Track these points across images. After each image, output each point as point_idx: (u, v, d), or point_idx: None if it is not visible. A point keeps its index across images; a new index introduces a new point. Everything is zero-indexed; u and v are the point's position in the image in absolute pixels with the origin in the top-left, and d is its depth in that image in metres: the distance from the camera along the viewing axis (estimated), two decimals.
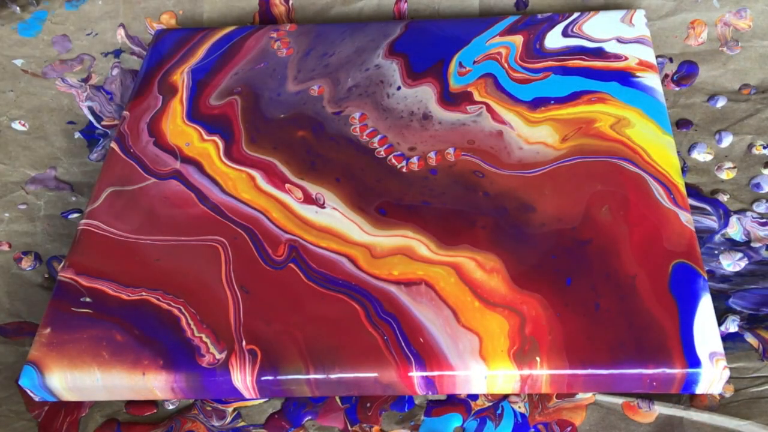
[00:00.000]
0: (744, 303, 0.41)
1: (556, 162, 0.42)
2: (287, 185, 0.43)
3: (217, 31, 0.53)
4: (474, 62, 0.49)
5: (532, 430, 0.37)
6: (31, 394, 0.38)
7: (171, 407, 0.40)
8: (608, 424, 0.37)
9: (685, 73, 0.52)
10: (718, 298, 0.41)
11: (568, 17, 0.51)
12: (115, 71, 0.55)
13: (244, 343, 0.37)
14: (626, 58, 0.47)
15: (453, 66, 0.49)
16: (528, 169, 0.42)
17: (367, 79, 0.48)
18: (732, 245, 0.43)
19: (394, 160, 0.44)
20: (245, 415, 0.39)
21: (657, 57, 0.52)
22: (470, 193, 0.42)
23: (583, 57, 0.48)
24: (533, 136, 0.44)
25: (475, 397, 0.39)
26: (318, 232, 0.41)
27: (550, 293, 0.37)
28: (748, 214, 0.44)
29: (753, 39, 0.52)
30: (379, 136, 0.45)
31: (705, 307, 0.36)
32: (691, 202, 0.44)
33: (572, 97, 0.46)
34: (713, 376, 0.35)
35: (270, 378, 0.36)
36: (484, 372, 0.35)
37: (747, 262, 0.42)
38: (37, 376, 0.37)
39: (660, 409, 0.37)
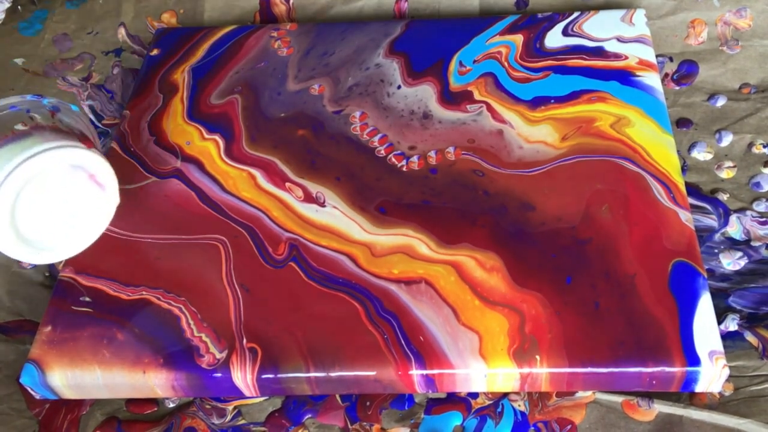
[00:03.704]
0: (744, 302, 0.41)
1: (556, 161, 0.43)
2: (287, 184, 0.43)
3: (217, 30, 0.53)
4: (474, 61, 0.49)
5: (532, 428, 0.37)
6: (32, 392, 0.38)
7: (171, 405, 0.40)
8: (608, 423, 0.37)
9: (685, 72, 0.52)
10: (718, 296, 0.41)
11: (568, 16, 0.51)
12: (116, 70, 0.55)
13: (244, 341, 0.37)
14: (626, 58, 0.48)
15: (453, 65, 0.49)
16: (528, 168, 0.42)
17: (368, 78, 0.48)
18: (732, 244, 0.43)
19: (394, 159, 0.44)
20: (245, 413, 0.39)
21: (657, 56, 0.52)
22: (470, 192, 0.42)
23: (583, 56, 0.48)
24: (533, 135, 0.44)
25: (475, 395, 0.39)
26: (318, 230, 0.41)
27: (549, 292, 0.37)
28: (748, 213, 0.44)
29: (753, 38, 0.52)
30: (379, 135, 0.45)
31: (705, 306, 0.36)
32: (690, 201, 0.44)
33: (572, 96, 0.46)
34: (713, 375, 0.35)
35: (270, 376, 0.36)
36: (484, 370, 0.35)
37: (747, 260, 0.42)
38: (38, 375, 0.37)
39: (660, 407, 0.37)
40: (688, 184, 0.45)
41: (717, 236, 0.43)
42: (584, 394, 0.38)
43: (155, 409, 0.40)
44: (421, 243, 0.40)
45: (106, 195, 0.37)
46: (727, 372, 0.35)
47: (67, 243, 0.37)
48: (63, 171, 0.35)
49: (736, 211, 0.44)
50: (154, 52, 0.52)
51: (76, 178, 0.36)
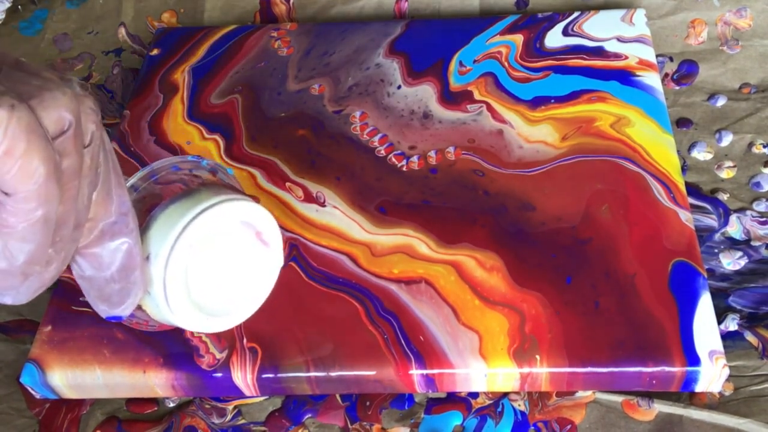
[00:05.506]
0: (743, 301, 0.41)
1: (556, 161, 0.43)
2: (288, 184, 0.43)
3: (217, 30, 0.53)
4: (474, 61, 0.49)
5: (532, 428, 0.37)
6: (32, 392, 0.38)
7: (171, 405, 0.40)
8: (608, 422, 0.37)
9: (685, 72, 0.52)
10: (718, 296, 0.41)
11: (568, 16, 0.51)
12: (116, 70, 0.55)
13: (245, 340, 0.37)
14: (626, 57, 0.48)
15: (453, 65, 0.49)
16: (528, 168, 0.42)
17: (368, 78, 0.48)
18: (732, 244, 0.43)
19: (394, 159, 0.44)
20: (245, 412, 0.39)
21: (657, 56, 0.52)
22: (470, 192, 0.42)
23: (584, 56, 0.48)
24: (533, 135, 0.44)
25: (475, 395, 0.39)
26: (318, 230, 0.41)
27: (550, 292, 0.37)
28: (748, 212, 0.44)
29: (753, 38, 0.52)
30: (379, 135, 0.45)
31: (705, 306, 0.36)
32: (690, 200, 0.44)
33: (572, 96, 0.46)
34: (713, 375, 0.35)
35: (270, 376, 0.36)
36: (484, 370, 0.35)
37: (747, 260, 0.42)
38: (38, 374, 0.37)
39: (660, 407, 0.37)
40: (688, 184, 0.45)
41: (717, 236, 0.43)
42: (584, 394, 0.38)
43: (155, 408, 0.40)
44: (421, 243, 0.40)
45: (271, 254, 0.33)
46: (727, 372, 0.35)
47: (234, 308, 0.33)
48: (232, 227, 0.31)
49: (736, 211, 0.44)
50: (154, 52, 0.52)
51: (243, 236, 0.32)
